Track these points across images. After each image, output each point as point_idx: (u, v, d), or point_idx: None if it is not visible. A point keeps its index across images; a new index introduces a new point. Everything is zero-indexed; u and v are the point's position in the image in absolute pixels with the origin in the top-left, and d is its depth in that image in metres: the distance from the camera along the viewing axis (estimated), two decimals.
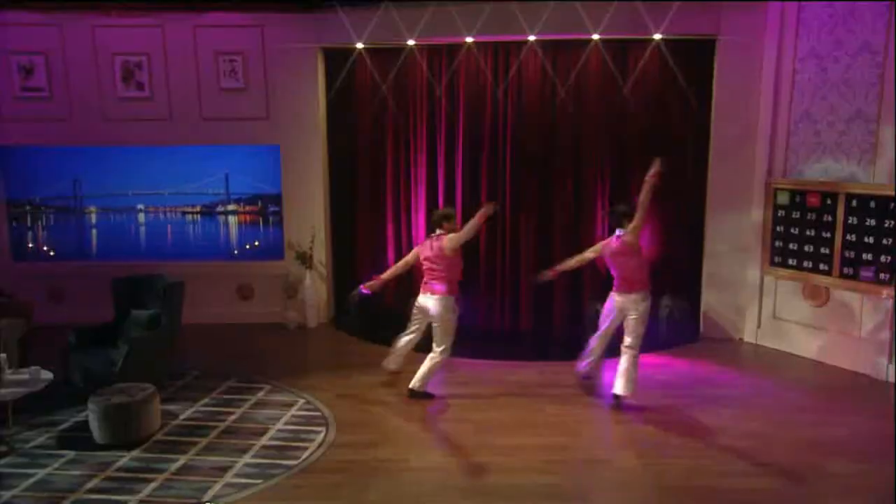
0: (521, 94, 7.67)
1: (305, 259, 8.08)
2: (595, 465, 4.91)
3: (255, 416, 5.67)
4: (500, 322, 8.04)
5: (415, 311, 6.01)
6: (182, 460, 4.93)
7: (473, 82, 7.72)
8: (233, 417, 5.65)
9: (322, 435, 5.30)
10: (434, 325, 5.88)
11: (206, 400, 6.00)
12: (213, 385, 6.32)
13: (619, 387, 5.77)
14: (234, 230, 8.35)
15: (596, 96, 7.58)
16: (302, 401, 5.95)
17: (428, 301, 5.85)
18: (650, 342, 6.74)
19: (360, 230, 8.34)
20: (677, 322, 7.60)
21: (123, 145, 8.09)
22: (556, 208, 7.81)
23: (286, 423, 5.51)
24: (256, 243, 8.35)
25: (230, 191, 8.25)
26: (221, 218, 8.33)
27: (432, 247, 5.83)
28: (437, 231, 5.87)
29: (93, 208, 8.35)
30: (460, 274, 5.90)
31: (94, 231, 8.39)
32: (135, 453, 5.01)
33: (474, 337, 6.83)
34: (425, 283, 5.90)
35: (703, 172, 7.62)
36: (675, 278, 7.62)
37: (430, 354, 5.90)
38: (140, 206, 8.33)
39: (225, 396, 6.09)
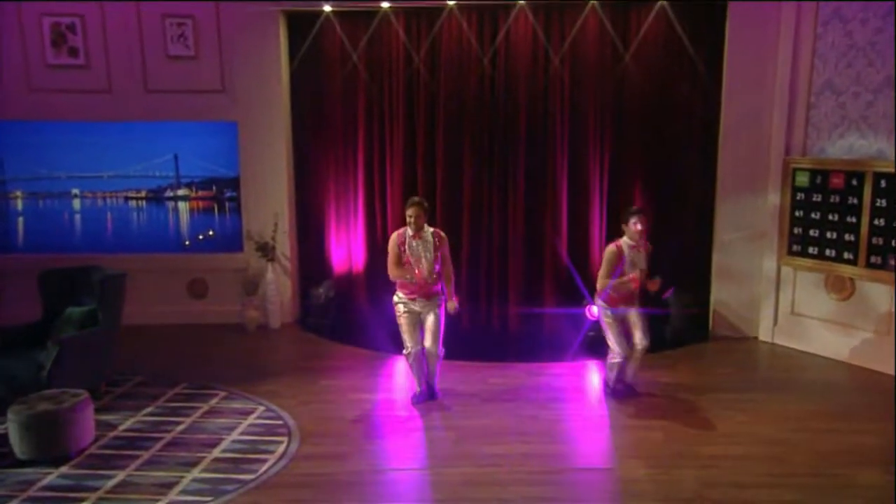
0: (509, 62, 7.64)
1: (267, 251, 8.00)
2: (594, 476, 4.85)
3: (207, 425, 5.57)
4: (485, 318, 8.00)
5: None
6: (119, 476, 4.81)
7: (456, 50, 7.67)
8: (180, 428, 5.54)
9: (284, 446, 5.22)
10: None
11: (149, 409, 5.89)
12: (158, 392, 6.23)
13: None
14: (184, 218, 8.26)
15: (593, 65, 7.55)
16: (261, 408, 5.88)
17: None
18: (655, 343, 6.81)
19: (329, 217, 8.27)
20: (684, 320, 7.60)
21: (54, 121, 7.92)
22: (549, 191, 7.77)
23: (242, 434, 5.42)
24: (211, 233, 8.27)
25: (180, 174, 8.14)
26: (170, 204, 8.22)
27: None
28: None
29: (18, 193, 8.18)
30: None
31: (20, 219, 8.23)
32: (63, 469, 4.88)
33: (455, 336, 6.74)
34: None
35: (713, 151, 7.60)
36: (682, 271, 7.58)
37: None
38: (75, 191, 8.17)
39: (172, 404, 5.99)
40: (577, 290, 7.32)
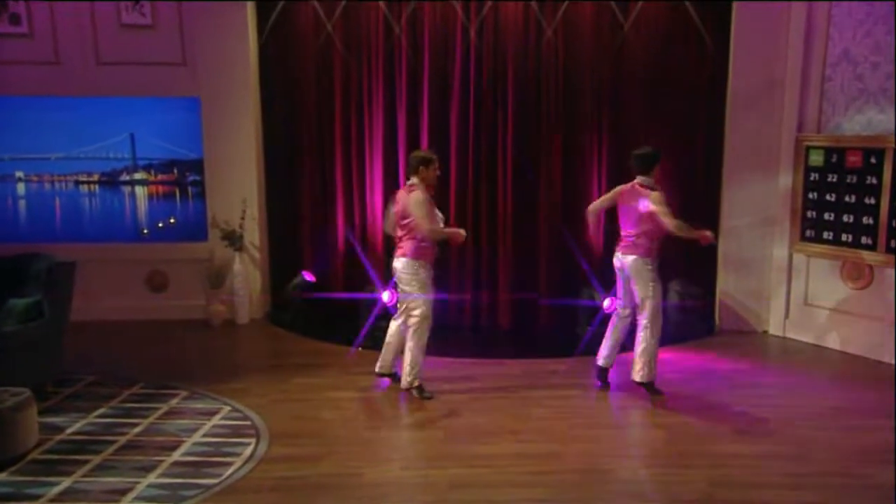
0: (498, 33, 7.59)
1: (234, 240, 7.91)
2: (594, 477, 4.76)
3: (166, 427, 5.43)
4: (474, 310, 7.95)
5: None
6: (65, 483, 4.62)
7: (440, 20, 7.62)
8: (137, 430, 5.38)
9: (251, 448, 5.08)
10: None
11: (102, 410, 5.73)
12: (112, 392, 6.07)
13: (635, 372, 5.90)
14: (143, 204, 8.17)
15: (590, 35, 7.53)
16: (227, 408, 5.77)
17: (396, 263, 5.89)
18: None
19: (302, 203, 8.18)
20: (689, 312, 7.57)
21: None
22: (543, 172, 7.72)
23: (205, 435, 5.29)
24: (172, 221, 8.19)
25: (137, 155, 8.03)
26: (126, 189, 8.12)
27: (401, 198, 5.84)
28: (412, 178, 5.83)
29: None
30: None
31: None
32: (1, 476, 4.68)
33: (444, 330, 6.71)
34: (397, 241, 5.94)
35: (720, 128, 7.59)
36: (686, 259, 7.55)
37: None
38: (19, 174, 8.05)
39: (128, 405, 5.83)
40: (575, 279, 7.23)
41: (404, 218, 5.75)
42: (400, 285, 5.90)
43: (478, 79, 7.62)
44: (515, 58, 7.55)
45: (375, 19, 7.67)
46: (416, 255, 5.76)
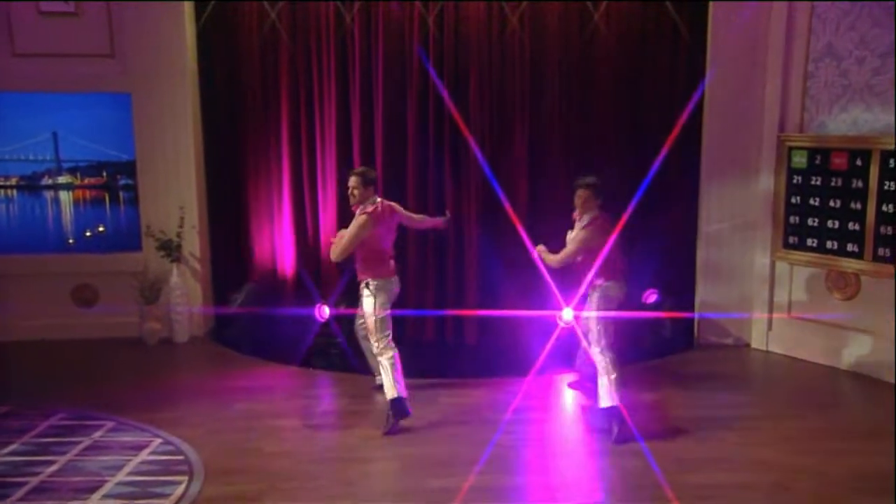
0: (459, 22, 7.57)
1: (171, 250, 7.80)
2: None
3: (87, 465, 5.26)
4: (436, 327, 7.90)
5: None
6: None
7: (396, 8, 7.56)
8: (52, 469, 5.19)
9: (183, 487, 4.94)
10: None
11: (13, 446, 5.54)
12: (27, 425, 5.89)
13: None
14: (68, 211, 8.09)
15: (557, 26, 7.54)
16: (158, 441, 5.62)
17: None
18: (632, 352, 6.94)
19: (248, 209, 8.11)
20: (667, 326, 7.62)
21: None
22: (508, 174, 7.66)
23: (131, 474, 5.13)
24: (101, 229, 8.08)
25: (61, 156, 7.93)
26: (49, 194, 8.03)
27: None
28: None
29: None
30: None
31: None
32: None
33: (407, 347, 6.60)
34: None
35: (697, 127, 7.58)
36: (662, 268, 7.50)
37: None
38: None
39: (44, 440, 5.65)
40: (543, 292, 7.09)
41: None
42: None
43: (438, 72, 7.55)
44: (477, 50, 7.51)
45: (325, 9, 7.62)
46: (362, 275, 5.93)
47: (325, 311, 6.53)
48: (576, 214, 5.92)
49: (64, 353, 7.50)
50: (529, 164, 7.70)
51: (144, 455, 5.35)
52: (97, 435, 5.68)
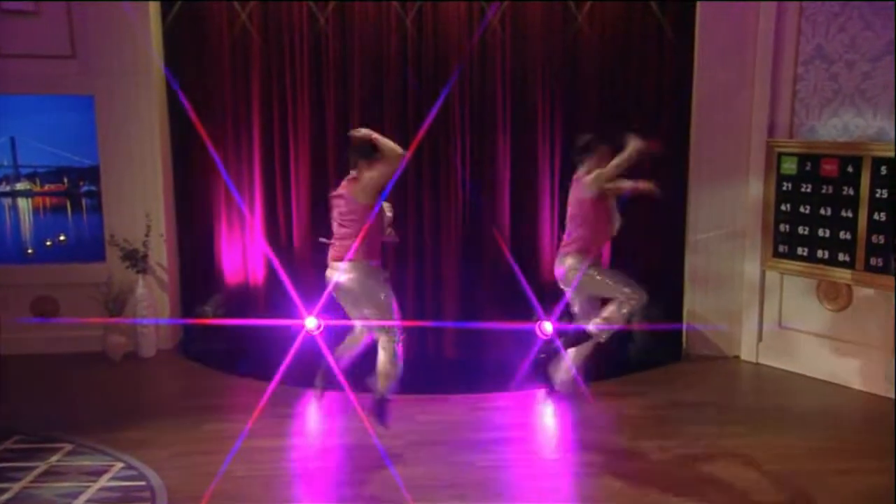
0: (437, 23, 7.54)
1: (137, 260, 7.70)
2: None
3: (41, 493, 5.09)
4: (414, 341, 7.50)
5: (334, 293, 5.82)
6: None
7: (372, 10, 7.54)
8: (4, 498, 5.02)
9: None
10: (357, 303, 5.73)
11: None
12: None
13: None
14: (27, 219, 8.04)
15: (539, 25, 7.50)
16: (120, 465, 5.47)
17: (334, 273, 5.62)
18: (617, 366, 7.02)
19: (218, 216, 8.03)
20: (652, 337, 7.58)
21: None
22: (489, 182, 7.70)
23: (89, 502, 4.98)
24: (62, 238, 8.03)
25: (19, 162, 7.89)
26: (7, 201, 7.98)
27: (342, 193, 5.65)
28: (352, 172, 5.64)
29: None
30: (379, 233, 5.77)
31: None
32: None
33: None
34: (332, 246, 5.70)
35: (684, 132, 7.60)
36: (648, 277, 7.27)
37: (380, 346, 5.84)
38: None
39: None
40: (525, 303, 7.06)
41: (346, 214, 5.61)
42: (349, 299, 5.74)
43: (415, 73, 7.55)
44: (457, 52, 7.47)
45: (298, 9, 7.56)
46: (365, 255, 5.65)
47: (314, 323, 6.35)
48: (580, 174, 5.96)
49: (22, 369, 7.35)
50: (512, 167, 7.69)
51: (104, 481, 5.21)
52: (54, 459, 5.52)
